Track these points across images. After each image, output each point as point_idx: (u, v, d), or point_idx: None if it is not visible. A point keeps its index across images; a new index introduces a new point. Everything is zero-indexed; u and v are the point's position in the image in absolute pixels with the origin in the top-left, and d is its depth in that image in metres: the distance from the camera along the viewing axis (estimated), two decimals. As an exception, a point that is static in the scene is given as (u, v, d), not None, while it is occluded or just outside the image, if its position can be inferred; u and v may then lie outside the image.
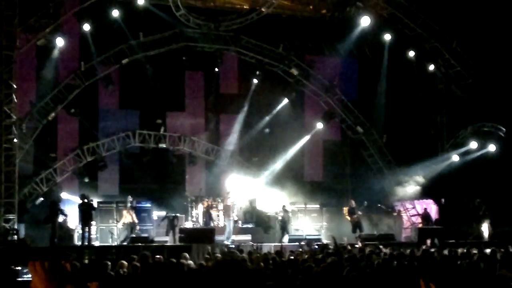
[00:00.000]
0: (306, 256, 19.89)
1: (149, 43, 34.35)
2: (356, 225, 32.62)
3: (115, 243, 30.09)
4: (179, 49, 35.13)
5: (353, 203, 33.15)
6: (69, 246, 27.77)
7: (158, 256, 18.64)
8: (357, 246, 26.31)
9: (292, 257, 19.81)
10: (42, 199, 31.50)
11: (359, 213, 32.81)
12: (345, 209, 33.25)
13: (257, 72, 36.56)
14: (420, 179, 36.49)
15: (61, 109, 33.05)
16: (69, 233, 30.11)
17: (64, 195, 31.34)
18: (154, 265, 16.34)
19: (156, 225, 32.30)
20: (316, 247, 25.79)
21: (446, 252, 23.49)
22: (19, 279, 21.84)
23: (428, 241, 28.33)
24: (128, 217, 30.81)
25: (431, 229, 33.03)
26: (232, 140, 36.76)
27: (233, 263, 4.85)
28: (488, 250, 23.20)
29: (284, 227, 32.32)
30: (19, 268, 23.06)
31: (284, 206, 33.15)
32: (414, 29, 36.43)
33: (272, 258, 17.92)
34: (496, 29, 33.00)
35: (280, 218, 32.75)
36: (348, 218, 32.85)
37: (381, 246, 24.26)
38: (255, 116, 36.92)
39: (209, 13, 35.11)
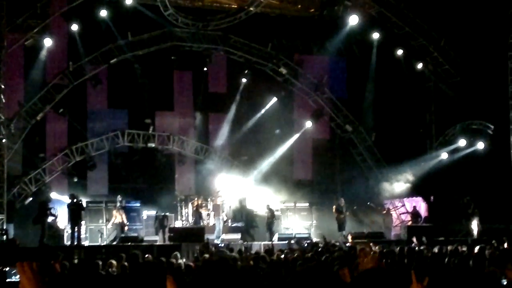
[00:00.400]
0: (296, 254, 19.93)
1: (138, 42, 34.33)
2: (342, 224, 32.74)
3: (104, 243, 30.06)
4: (168, 49, 35.15)
5: (342, 201, 33.23)
6: (58, 246, 27.69)
7: (147, 256, 18.64)
8: (348, 244, 26.33)
9: (282, 256, 19.84)
10: (31, 199, 31.43)
11: (347, 213, 32.90)
12: (334, 207, 33.30)
13: (246, 71, 36.59)
14: (409, 177, 36.60)
15: (50, 109, 33.03)
16: (58, 233, 30.05)
17: (53, 195, 31.25)
18: (143, 265, 16.32)
19: (145, 224, 32.29)
20: (305, 245, 25.84)
21: (435, 249, 23.59)
22: (8, 280, 21.83)
23: (414, 239, 28.35)
24: (117, 217, 30.77)
25: (420, 227, 33.10)
26: (221, 139, 36.77)
27: (222, 262, 4.87)
28: (477, 248, 23.31)
29: (269, 226, 32.34)
30: (8, 269, 23.04)
31: (268, 205, 33.17)
32: (403, 28, 36.50)
33: (261, 257, 17.94)
34: (483, 27, 33.05)
35: (268, 217, 32.76)
36: (335, 215, 32.92)
37: (371, 244, 24.29)
38: (244, 115, 36.93)
39: (198, 13, 35.13)
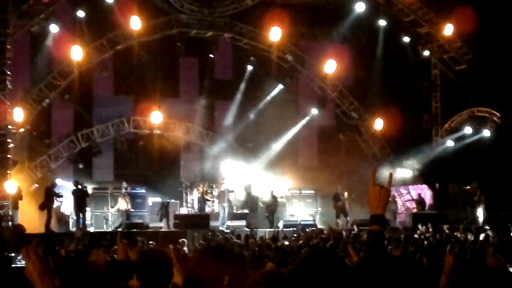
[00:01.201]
0: (301, 241, 19.97)
1: (143, 29, 34.24)
2: (341, 212, 32.80)
3: (109, 229, 30.13)
4: (174, 35, 35.07)
5: (339, 188, 33.28)
6: (64, 233, 27.75)
7: (151, 242, 18.69)
8: (353, 232, 26.34)
9: (287, 243, 19.89)
10: (37, 185, 31.46)
11: (346, 197, 32.98)
12: (333, 195, 33.34)
13: (252, 58, 36.54)
14: (415, 164, 36.59)
15: (55, 96, 33.00)
16: (64, 219, 30.16)
17: (58, 181, 31.29)
18: (149, 252, 16.33)
19: (150, 211, 32.36)
20: (310, 232, 25.91)
21: (438, 236, 23.64)
22: (14, 265, 21.93)
23: (420, 226, 28.40)
24: (123, 203, 30.85)
25: (426, 214, 33.13)
26: (226, 126, 36.75)
27: (217, 248, 4.87)
28: (482, 235, 23.33)
29: (271, 213, 32.40)
30: (13, 254, 23.14)
31: (272, 191, 33.23)
32: (409, 15, 36.41)
33: (266, 244, 17.98)
34: (490, 15, 32.94)
35: (268, 203, 32.82)
36: (333, 203, 33.01)
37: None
38: (250, 102, 36.89)
39: (204, -1, 35.08)
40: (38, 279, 4.15)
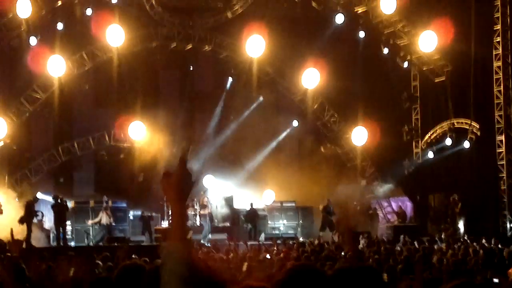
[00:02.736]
0: (282, 255, 19.94)
1: (124, 42, 34.16)
2: (328, 225, 32.73)
3: (91, 243, 30.00)
4: (154, 48, 35.04)
5: (329, 201, 33.27)
6: (45, 247, 27.59)
7: (134, 256, 18.58)
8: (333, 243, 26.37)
9: (268, 256, 19.87)
10: (16, 199, 31.29)
11: (333, 214, 32.96)
12: (321, 206, 33.31)
13: (232, 70, 36.58)
14: (395, 176, 36.66)
15: (35, 109, 32.87)
16: (44, 233, 30.03)
17: (39, 195, 31.14)
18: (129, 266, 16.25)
19: (132, 224, 32.27)
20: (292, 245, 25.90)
21: (419, 248, 23.69)
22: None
23: (401, 238, 28.49)
24: (104, 217, 30.74)
25: (406, 226, 33.21)
26: (207, 139, 36.72)
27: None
28: (462, 247, 23.41)
29: (253, 225, 32.44)
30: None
31: (251, 203, 33.26)
32: (388, 27, 36.49)
33: (248, 257, 17.95)
34: (469, 27, 33.12)
35: (248, 216, 32.89)
36: (322, 214, 32.98)
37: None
38: (230, 114, 36.90)
39: (183, 12, 35.10)
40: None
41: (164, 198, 33.31)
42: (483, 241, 25.98)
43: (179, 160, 4.01)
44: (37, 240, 28.98)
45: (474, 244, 24.75)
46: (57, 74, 32.29)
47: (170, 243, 3.80)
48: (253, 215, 32.85)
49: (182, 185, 3.95)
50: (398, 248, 24.47)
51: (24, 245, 27.09)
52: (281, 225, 34.43)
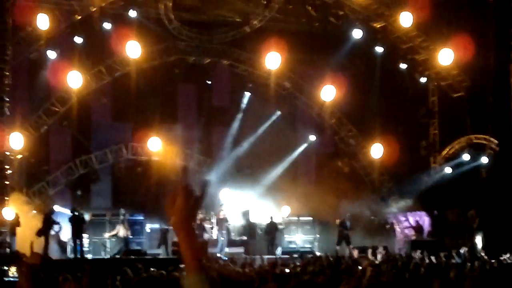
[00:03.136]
0: (299, 269, 19.91)
1: (142, 56, 34.30)
2: (344, 239, 32.60)
3: (108, 256, 30.05)
4: (172, 62, 35.16)
5: (347, 216, 33.16)
6: (62, 259, 27.67)
7: (152, 269, 18.59)
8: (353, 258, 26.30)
9: (288, 270, 19.82)
10: (34, 212, 31.40)
11: (350, 230, 32.83)
12: (338, 221, 33.23)
13: (249, 85, 36.63)
14: (413, 191, 36.52)
15: (54, 122, 33.01)
16: (62, 246, 30.11)
17: (56, 207, 31.24)
18: (147, 279, 16.25)
19: (149, 237, 32.30)
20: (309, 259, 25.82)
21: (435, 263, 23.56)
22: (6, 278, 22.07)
23: (418, 253, 28.34)
24: (121, 230, 30.79)
25: (424, 241, 33.07)
26: (224, 152, 36.74)
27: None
28: (479, 263, 23.27)
29: (271, 239, 32.41)
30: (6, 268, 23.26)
31: (271, 217, 33.25)
32: (406, 42, 36.46)
33: (265, 271, 17.90)
34: (488, 40, 33.07)
35: (267, 229, 32.86)
36: (339, 229, 32.90)
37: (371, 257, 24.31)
38: (248, 128, 36.91)
39: (202, 26, 35.21)
40: None
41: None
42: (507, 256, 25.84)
43: (180, 189, 3.99)
44: (54, 252, 29.10)
45: (492, 260, 24.60)
46: (76, 87, 32.41)
47: (189, 279, 3.81)
48: (272, 229, 32.84)
49: (185, 212, 3.95)
50: (416, 263, 24.35)
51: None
52: (298, 239, 34.39)
